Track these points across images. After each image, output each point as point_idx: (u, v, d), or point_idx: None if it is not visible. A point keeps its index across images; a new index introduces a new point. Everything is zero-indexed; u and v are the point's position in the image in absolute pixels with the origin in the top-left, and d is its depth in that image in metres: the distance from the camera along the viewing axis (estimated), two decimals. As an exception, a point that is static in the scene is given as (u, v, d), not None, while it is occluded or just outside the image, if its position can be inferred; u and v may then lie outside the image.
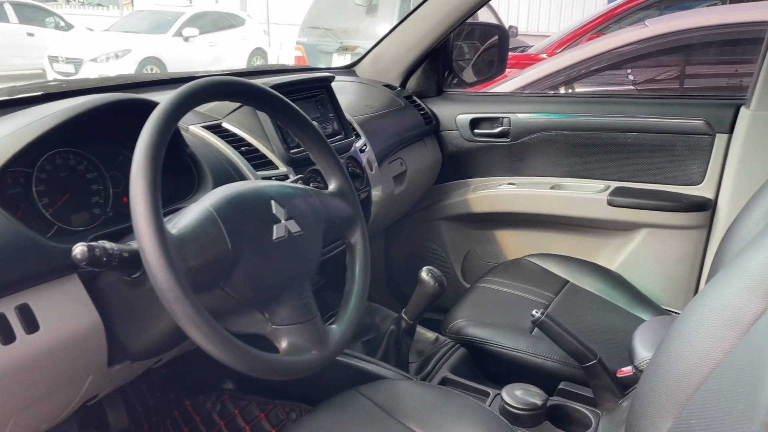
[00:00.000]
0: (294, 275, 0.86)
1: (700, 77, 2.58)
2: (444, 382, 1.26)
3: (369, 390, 1.13)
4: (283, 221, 0.86)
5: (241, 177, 1.12)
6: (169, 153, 0.76)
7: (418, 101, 1.93)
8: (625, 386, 1.18)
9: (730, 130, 1.64)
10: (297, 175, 1.20)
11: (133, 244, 0.73)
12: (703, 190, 1.70)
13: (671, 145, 1.71)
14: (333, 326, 0.91)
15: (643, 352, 1.01)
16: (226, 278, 0.78)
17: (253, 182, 0.89)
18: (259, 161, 1.17)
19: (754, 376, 0.66)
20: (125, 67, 8.45)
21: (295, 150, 1.24)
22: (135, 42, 8.86)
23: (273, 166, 1.19)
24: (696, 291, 1.77)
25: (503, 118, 1.88)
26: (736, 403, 0.66)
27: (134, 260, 0.72)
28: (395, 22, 1.88)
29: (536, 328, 1.43)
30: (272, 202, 0.86)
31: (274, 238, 0.83)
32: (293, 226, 0.87)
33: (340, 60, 6.80)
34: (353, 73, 1.96)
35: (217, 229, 0.77)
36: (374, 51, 1.93)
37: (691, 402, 0.78)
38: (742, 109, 1.62)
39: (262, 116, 1.23)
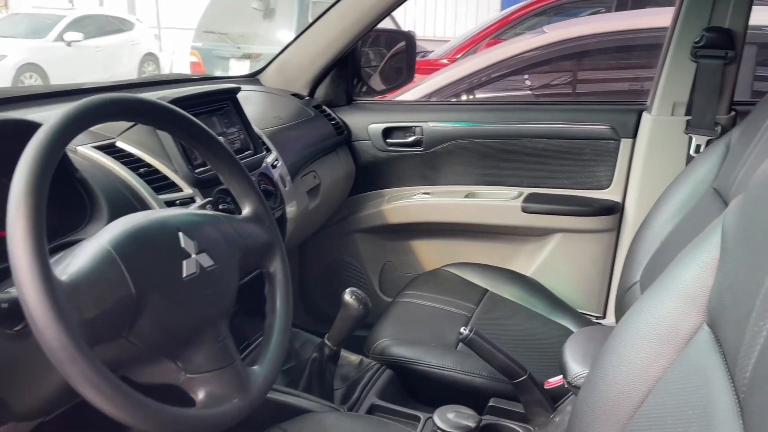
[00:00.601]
0: (209, 316, 0.77)
1: (602, 82, 2.67)
2: (372, 409, 1.20)
3: (293, 426, 1.04)
4: (193, 255, 0.76)
5: (140, 202, 1.00)
6: (55, 177, 0.65)
7: (328, 111, 1.86)
8: (555, 398, 1.17)
9: (634, 135, 1.69)
10: (204, 197, 1.10)
11: (13, 291, 0.62)
12: (611, 194, 1.74)
13: (580, 151, 1.74)
14: (255, 368, 0.82)
15: (575, 366, 0.99)
16: (130, 326, 0.68)
17: (157, 212, 0.79)
18: (160, 183, 1.06)
19: (703, 398, 0.65)
20: (0, 75, 7.82)
21: (201, 169, 1.13)
22: (11, 47, 8.21)
23: (176, 189, 1.08)
24: (608, 293, 1.81)
25: (415, 127, 1.84)
26: (687, 425, 0.64)
27: (14, 311, 0.61)
28: (294, 27, 1.80)
29: (461, 345, 1.40)
30: (180, 234, 0.76)
31: (184, 275, 0.74)
32: (205, 260, 0.77)
33: (238, 66, 6.60)
34: (257, 82, 1.86)
35: (117, 272, 0.67)
36: (279, 58, 1.84)
37: (633, 421, 0.76)
38: (644, 115, 1.67)
39: (162, 132, 1.12)
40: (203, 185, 1.12)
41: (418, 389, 1.32)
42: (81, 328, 0.61)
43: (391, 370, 1.32)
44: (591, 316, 1.78)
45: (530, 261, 1.84)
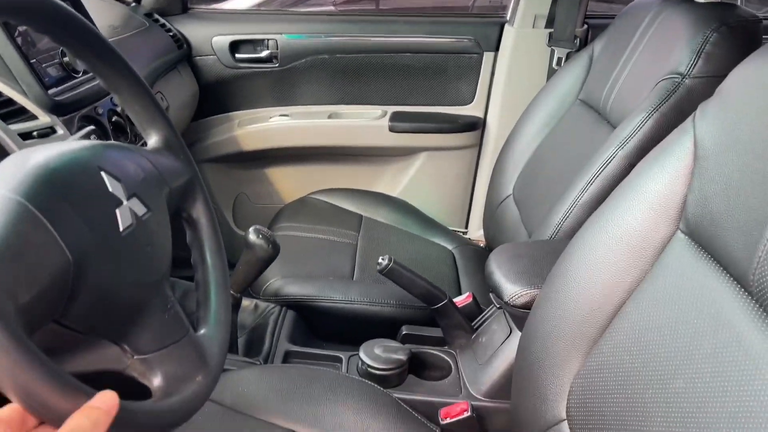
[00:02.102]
0: (152, 278, 0.59)
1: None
2: (287, 356, 1.08)
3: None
4: (125, 202, 0.57)
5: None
6: None
7: (162, 20, 1.58)
8: (470, 316, 1.15)
9: (496, 48, 1.68)
10: (64, 124, 0.86)
11: None
12: (474, 110, 1.74)
13: (444, 66, 1.70)
14: (202, 333, 0.66)
15: (511, 286, 0.97)
16: (65, 306, 0.49)
17: (60, 146, 0.57)
18: (6, 110, 0.79)
19: (696, 301, 0.64)
20: None
21: (56, 90, 0.87)
22: None
23: (29, 116, 0.82)
24: (470, 209, 1.84)
25: (268, 40, 1.65)
26: (679, 330, 0.64)
27: None
28: None
29: (357, 274, 1.33)
30: (103, 174, 0.56)
31: (121, 229, 0.55)
32: (138, 207, 0.59)
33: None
34: (68, -16, 1.51)
35: (44, 231, 0.47)
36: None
37: (607, 335, 0.76)
38: (507, 27, 1.67)
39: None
40: (62, 111, 0.87)
41: (324, 327, 1.23)
42: (18, 317, 0.42)
43: (293, 311, 1.20)
44: (458, 232, 1.80)
45: (396, 182, 1.80)
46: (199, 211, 0.74)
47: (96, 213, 0.53)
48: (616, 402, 0.68)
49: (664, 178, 0.75)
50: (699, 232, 0.68)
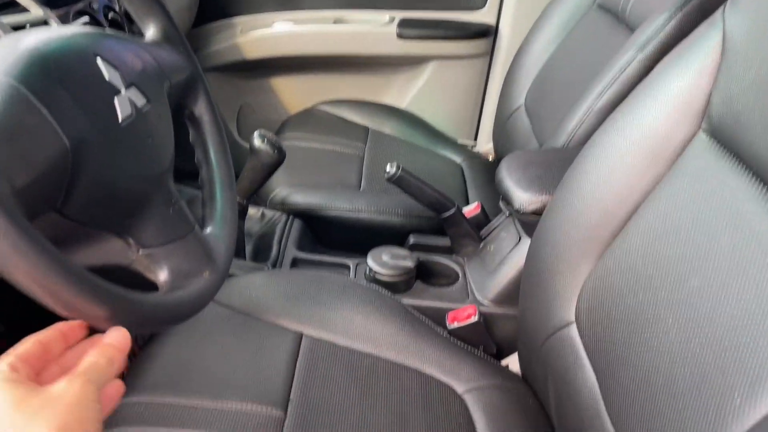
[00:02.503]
0: (154, 172, 0.57)
1: None
2: (295, 263, 1.08)
3: (221, 294, 0.90)
4: (123, 91, 0.54)
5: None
6: None
7: None
8: (478, 226, 1.14)
9: (511, -51, 1.59)
10: (58, 18, 0.82)
11: None
12: (485, 16, 1.67)
13: (455, -32, 1.61)
14: (209, 232, 0.65)
15: (522, 194, 0.95)
16: (65, 195, 0.47)
17: (53, 30, 0.54)
18: (-5, 1, 0.76)
19: (719, 203, 0.62)
20: None
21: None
22: None
23: (19, 8, 0.78)
24: (479, 120, 1.80)
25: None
26: (699, 230, 0.62)
27: None
28: None
29: (364, 185, 1.31)
30: (99, 60, 0.53)
31: (120, 120, 0.53)
32: (137, 98, 0.56)
33: None
34: None
35: (38, 116, 0.44)
36: None
37: (620, 239, 0.74)
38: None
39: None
40: (56, 3, 0.82)
41: (331, 236, 1.22)
42: (15, 200, 0.40)
43: (300, 220, 1.19)
44: (467, 144, 1.77)
45: (404, 93, 1.75)
46: (201, 108, 0.72)
47: (93, 100, 0.51)
48: (626, 304, 0.67)
49: (688, 75, 0.71)
50: (722, 130, 0.66)
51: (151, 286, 0.56)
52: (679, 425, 0.54)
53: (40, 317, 0.95)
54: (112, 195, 0.51)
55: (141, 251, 0.55)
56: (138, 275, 0.56)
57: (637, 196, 0.73)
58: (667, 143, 0.72)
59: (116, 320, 0.45)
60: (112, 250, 0.54)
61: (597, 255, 0.76)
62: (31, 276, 0.39)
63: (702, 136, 0.69)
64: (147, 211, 0.55)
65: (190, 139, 0.72)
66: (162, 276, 0.56)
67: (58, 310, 0.41)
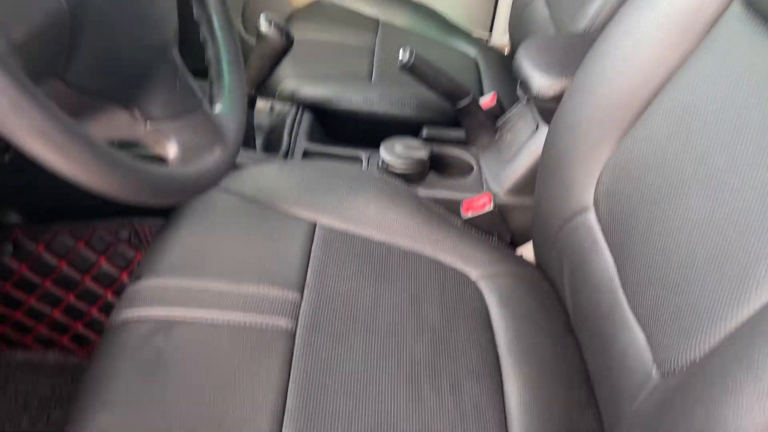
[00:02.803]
0: (157, 41, 0.55)
1: None
2: (306, 154, 1.06)
3: (234, 183, 0.89)
4: (121, -48, 0.51)
5: None
6: None
7: None
8: (493, 117, 1.11)
9: None
10: None
11: None
12: None
13: None
14: (217, 108, 0.63)
15: (542, 78, 0.91)
16: (66, 61, 0.45)
17: None
18: None
19: (747, 82, 0.59)
20: None
21: None
22: None
23: None
24: (495, 11, 1.73)
25: None
26: (724, 109, 0.60)
27: None
28: None
29: (375, 77, 1.27)
30: None
31: (121, -19, 0.50)
32: (137, -40, 0.53)
33: None
34: None
35: (32, -30, 0.42)
36: None
37: (641, 121, 0.72)
38: None
39: None
40: None
41: (342, 130, 1.19)
42: (12, 54, 0.38)
43: (309, 112, 1.16)
44: (481, 37, 1.70)
45: (416, -18, 1.67)
46: (204, -19, 0.68)
47: (90, -42, 0.47)
48: (647, 184, 0.65)
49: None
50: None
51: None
52: (697, 299, 0.53)
53: (59, 208, 0.96)
54: (115, 63, 0.49)
55: (149, 125, 0.54)
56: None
57: (663, 72, 0.70)
58: (699, 15, 0.68)
59: (127, 186, 0.43)
60: (119, 124, 0.53)
61: (618, 137, 0.74)
62: (32, 133, 0.37)
63: (735, 7, 0.65)
64: (153, 82, 0.53)
65: (194, 16, 0.68)
66: (172, 151, 0.55)
67: (65, 171, 0.39)
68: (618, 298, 0.66)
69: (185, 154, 0.55)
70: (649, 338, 0.59)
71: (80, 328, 1.03)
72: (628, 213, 0.68)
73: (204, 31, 0.68)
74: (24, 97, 0.36)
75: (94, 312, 1.01)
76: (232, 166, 0.60)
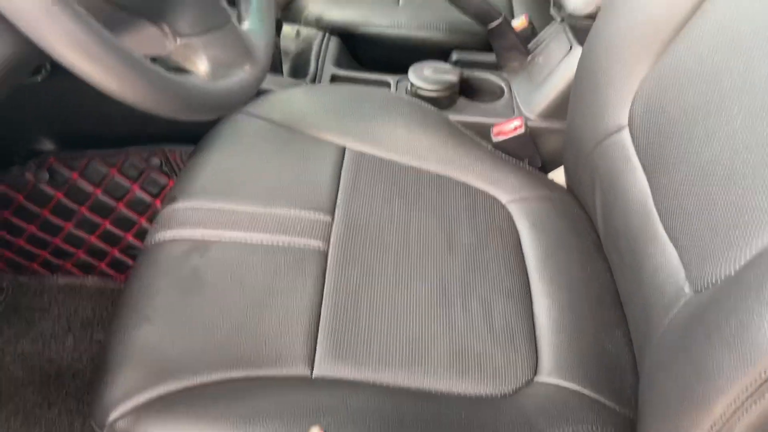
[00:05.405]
0: (186, -46, 0.53)
1: None
2: (333, 79, 1.05)
3: (260, 108, 0.89)
4: None
5: None
6: None
7: None
8: (525, 39, 1.08)
9: None
10: None
11: None
12: None
13: None
14: (246, 26, 0.62)
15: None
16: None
17: None
18: None
19: None
20: None
21: None
22: None
23: None
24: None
25: None
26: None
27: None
28: None
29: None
30: None
31: None
32: None
33: None
34: None
35: None
36: None
37: (680, 35, 0.69)
38: None
39: None
40: None
41: (370, 54, 1.17)
42: None
43: (335, 37, 1.14)
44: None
45: None
46: None
47: None
48: (686, 99, 0.63)
49: None
50: None
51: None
52: (735, 214, 0.52)
53: (92, 134, 0.97)
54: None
55: (179, 40, 0.53)
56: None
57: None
58: None
59: (159, 98, 0.44)
60: (149, 39, 0.52)
61: (656, 53, 0.71)
62: (64, 40, 0.37)
63: None
64: (180, -2, 0.52)
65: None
66: (202, 66, 0.54)
67: (95, 80, 0.39)
68: (651, 216, 0.65)
69: (215, 69, 0.55)
70: (682, 255, 0.59)
71: (117, 253, 1.06)
72: (665, 130, 0.66)
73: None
74: (57, 3, 0.36)
75: (130, 238, 1.04)
76: (261, 82, 0.59)
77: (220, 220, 0.72)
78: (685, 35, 0.67)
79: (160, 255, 0.69)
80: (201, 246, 0.69)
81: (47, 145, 0.98)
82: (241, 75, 0.56)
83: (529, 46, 1.07)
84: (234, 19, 0.58)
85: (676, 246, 0.60)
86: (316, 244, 0.71)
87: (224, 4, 0.57)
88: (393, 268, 0.70)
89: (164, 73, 0.45)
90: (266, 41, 0.62)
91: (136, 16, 0.51)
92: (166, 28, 0.52)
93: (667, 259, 0.60)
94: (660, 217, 0.64)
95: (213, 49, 0.55)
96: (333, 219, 0.75)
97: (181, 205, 0.74)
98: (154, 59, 0.54)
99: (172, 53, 0.54)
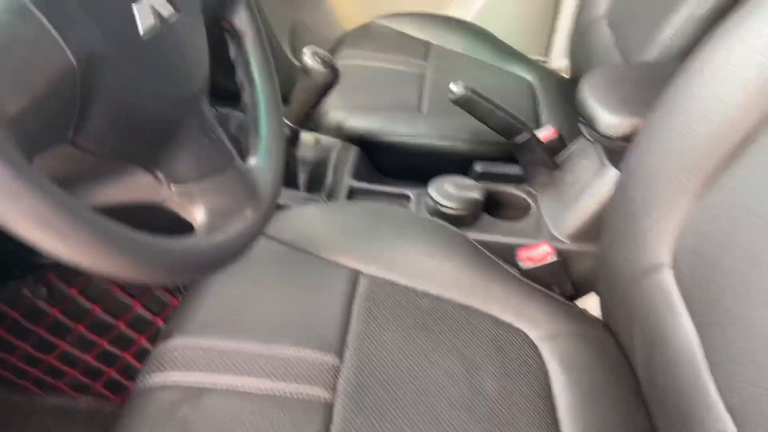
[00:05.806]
0: (184, 94, 0.49)
1: None
2: (351, 193, 1.00)
3: (272, 227, 0.83)
4: (144, -2, 0.46)
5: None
6: None
7: None
8: (553, 152, 1.03)
9: None
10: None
11: None
12: None
13: None
14: (252, 163, 0.58)
15: (608, 116, 0.83)
16: (77, 123, 0.40)
17: None
18: None
19: None
20: None
21: None
22: None
23: None
24: (553, 32, 1.64)
25: None
26: None
27: None
28: None
29: (425, 107, 1.20)
30: (111, -41, 0.45)
31: (141, 31, 0.44)
32: (162, 6, 0.47)
33: None
34: None
35: (38, 28, 0.36)
36: None
37: (730, 169, 0.62)
38: None
39: None
40: None
41: (390, 164, 1.13)
42: (6, 130, 0.33)
43: (356, 147, 1.11)
44: (539, 60, 1.62)
45: (469, 3, 1.60)
46: (242, 20, 0.62)
47: (106, 8, 0.42)
48: (740, 243, 0.56)
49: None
50: None
51: (189, 228, 0.49)
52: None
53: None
54: (134, 122, 0.44)
55: (173, 187, 0.48)
56: (174, 218, 0.49)
57: (757, 117, 0.61)
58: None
59: (141, 269, 0.38)
60: (140, 187, 0.47)
61: (698, 189, 0.65)
62: (29, 222, 0.32)
63: None
64: (178, 141, 0.48)
65: (231, 56, 0.63)
66: (199, 216, 0.49)
67: (70, 260, 0.34)
68: (702, 378, 0.57)
69: (213, 220, 0.49)
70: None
71: (114, 373, 0.99)
72: (714, 278, 0.59)
73: (240, 74, 0.63)
74: (19, 181, 0.31)
75: (128, 358, 0.97)
76: (264, 228, 0.54)
77: (217, 361, 0.65)
78: (732, 173, 0.61)
79: (149, 404, 0.62)
80: (193, 395, 0.62)
81: (45, 259, 0.93)
82: (240, 224, 0.50)
83: (557, 158, 1.02)
84: (237, 158, 0.53)
85: (734, 419, 0.52)
86: (320, 393, 0.64)
87: (227, 142, 0.52)
88: (408, 424, 0.62)
89: (139, 235, 0.39)
90: (273, 179, 0.57)
91: (127, 161, 0.46)
92: (160, 175, 0.48)
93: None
94: (714, 380, 0.56)
95: (211, 196, 0.49)
96: (341, 360, 0.67)
97: (176, 343, 0.68)
98: (148, 209, 0.49)
99: (166, 201, 0.49)
